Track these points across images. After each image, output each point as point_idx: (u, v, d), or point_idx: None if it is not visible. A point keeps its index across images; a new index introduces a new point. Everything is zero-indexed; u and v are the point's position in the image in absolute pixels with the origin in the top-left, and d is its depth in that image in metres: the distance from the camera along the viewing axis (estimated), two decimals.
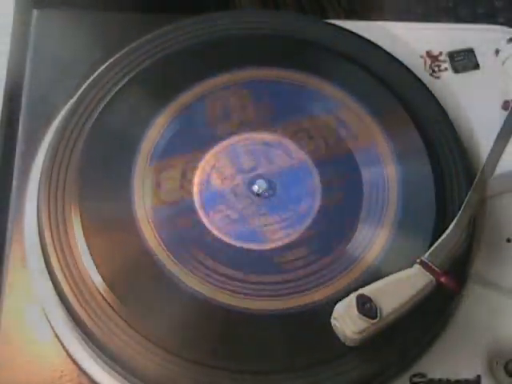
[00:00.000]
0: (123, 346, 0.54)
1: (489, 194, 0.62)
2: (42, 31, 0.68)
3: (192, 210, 0.60)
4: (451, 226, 0.56)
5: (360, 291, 0.53)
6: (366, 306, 0.52)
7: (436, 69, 0.67)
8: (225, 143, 0.63)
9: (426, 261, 0.55)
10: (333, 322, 0.54)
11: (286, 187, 0.61)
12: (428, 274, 0.54)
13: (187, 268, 0.57)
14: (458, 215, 0.57)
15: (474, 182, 0.58)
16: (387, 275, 0.55)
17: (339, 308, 0.53)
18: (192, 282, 0.57)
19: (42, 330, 0.58)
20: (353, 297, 0.53)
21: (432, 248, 0.56)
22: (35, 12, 0.69)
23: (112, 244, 0.58)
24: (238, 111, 0.64)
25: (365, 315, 0.52)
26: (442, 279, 0.54)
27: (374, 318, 0.52)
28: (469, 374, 0.56)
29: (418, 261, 0.55)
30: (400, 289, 0.54)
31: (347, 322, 0.52)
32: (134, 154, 0.61)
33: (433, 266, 0.55)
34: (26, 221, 0.61)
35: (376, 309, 0.52)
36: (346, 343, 0.54)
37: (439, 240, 0.56)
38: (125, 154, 0.61)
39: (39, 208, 0.59)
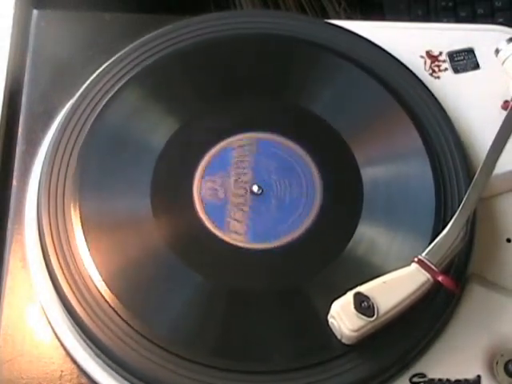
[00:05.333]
0: (123, 345, 0.54)
1: (488, 193, 0.62)
2: (42, 31, 0.68)
3: (193, 210, 0.60)
4: (449, 225, 0.56)
5: (357, 289, 0.53)
6: (364, 304, 0.52)
7: (436, 69, 0.67)
8: (223, 143, 0.63)
9: (424, 259, 0.55)
10: (330, 319, 0.54)
11: (286, 187, 0.61)
12: (425, 272, 0.54)
13: (188, 268, 0.57)
14: (457, 214, 0.57)
15: (473, 181, 0.58)
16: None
17: (336, 306, 0.53)
18: (193, 281, 0.57)
19: (42, 330, 0.58)
20: (350, 295, 0.53)
21: (430, 246, 0.56)
22: (35, 12, 0.69)
23: (112, 244, 0.58)
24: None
25: (362, 313, 0.52)
26: (440, 278, 0.54)
27: (372, 316, 0.52)
28: (469, 374, 0.56)
29: (416, 259, 0.55)
30: (397, 287, 0.54)
31: (344, 319, 0.52)
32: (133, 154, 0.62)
33: (430, 265, 0.54)
34: (26, 221, 0.61)
35: (373, 307, 0.52)
36: (343, 341, 0.54)
37: (437, 238, 0.56)
38: (124, 154, 0.61)
39: (39, 208, 0.59)
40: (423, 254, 0.55)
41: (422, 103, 0.64)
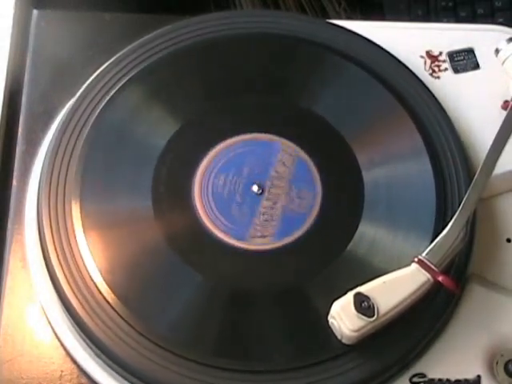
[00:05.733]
0: (123, 345, 0.54)
1: (489, 193, 0.62)
2: (42, 31, 0.68)
3: (194, 209, 0.60)
4: (449, 225, 0.56)
5: (358, 289, 0.53)
6: (364, 305, 0.52)
7: (436, 69, 0.67)
8: (224, 143, 0.63)
9: (424, 259, 0.55)
10: (330, 320, 0.54)
11: (287, 187, 0.61)
12: (425, 272, 0.54)
13: (189, 267, 0.57)
14: (457, 214, 0.57)
15: (473, 181, 0.58)
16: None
17: (337, 306, 0.53)
18: (193, 281, 0.57)
19: (42, 330, 0.58)
20: (350, 295, 0.53)
21: (430, 246, 0.56)
22: (35, 12, 0.69)
23: (113, 244, 0.58)
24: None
25: (362, 313, 0.52)
26: (440, 278, 0.54)
27: (372, 316, 0.52)
28: (469, 374, 0.56)
29: (416, 259, 0.55)
30: (397, 287, 0.54)
31: (344, 320, 0.52)
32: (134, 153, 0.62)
33: (430, 265, 0.55)
34: (26, 221, 0.61)
35: (373, 307, 0.52)
36: (343, 341, 0.54)
37: (437, 239, 0.56)
38: (125, 153, 0.61)
39: (39, 208, 0.59)
40: (423, 254, 0.55)
41: (422, 103, 0.64)
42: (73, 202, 0.59)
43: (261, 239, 0.59)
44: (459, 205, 0.57)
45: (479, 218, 0.60)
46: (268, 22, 0.68)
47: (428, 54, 0.68)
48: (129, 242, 0.58)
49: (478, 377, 0.56)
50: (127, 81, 0.64)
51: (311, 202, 0.61)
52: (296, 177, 0.62)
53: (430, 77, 0.67)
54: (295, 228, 0.60)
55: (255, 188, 0.61)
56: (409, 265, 0.55)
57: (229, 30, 0.67)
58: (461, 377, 0.56)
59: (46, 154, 0.62)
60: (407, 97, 0.65)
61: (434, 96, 0.65)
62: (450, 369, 0.56)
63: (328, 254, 0.59)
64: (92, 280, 0.56)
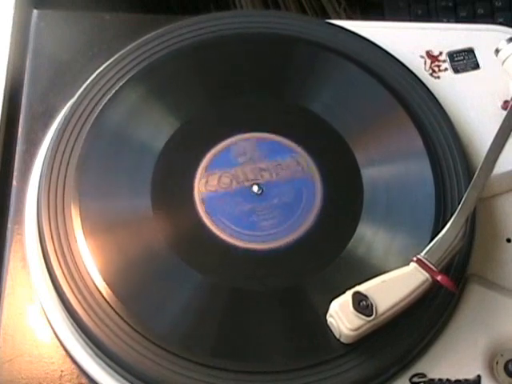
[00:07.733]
0: (123, 345, 0.54)
1: (488, 193, 0.62)
2: (42, 31, 0.68)
3: (193, 209, 0.60)
4: (448, 225, 0.56)
5: (356, 288, 0.53)
6: (362, 304, 0.52)
7: (436, 69, 0.67)
8: (223, 143, 0.63)
9: (423, 259, 0.55)
10: (328, 319, 0.54)
11: (286, 187, 0.61)
12: (424, 272, 0.54)
13: (188, 267, 0.57)
14: (456, 213, 0.57)
15: (472, 181, 0.58)
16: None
17: (335, 305, 0.53)
18: (193, 281, 0.57)
19: (42, 329, 0.58)
20: (349, 294, 0.53)
21: (429, 246, 0.56)
22: (35, 12, 0.69)
23: (112, 243, 0.58)
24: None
25: (360, 313, 0.52)
26: (439, 278, 0.54)
27: (370, 315, 0.52)
28: (469, 374, 0.56)
29: (415, 259, 0.55)
30: (396, 287, 0.54)
31: (343, 319, 0.52)
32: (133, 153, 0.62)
33: (429, 264, 0.54)
34: (26, 221, 0.61)
35: (372, 306, 0.52)
36: (342, 340, 0.54)
37: (436, 238, 0.56)
38: (124, 153, 0.61)
39: (39, 208, 0.59)
40: (422, 254, 0.55)
41: (422, 103, 0.64)
42: (72, 202, 0.59)
43: (260, 239, 0.59)
44: (459, 204, 0.57)
45: (479, 217, 0.60)
46: (268, 22, 0.68)
47: (428, 54, 0.68)
48: (128, 241, 0.58)
49: (478, 377, 0.56)
50: (127, 81, 0.64)
51: (311, 201, 0.61)
52: (296, 177, 0.62)
53: (430, 77, 0.67)
54: (295, 228, 0.59)
55: (255, 188, 0.61)
56: (407, 264, 0.55)
57: (229, 30, 0.67)
58: (461, 377, 0.56)
59: (46, 154, 0.62)
60: (407, 97, 0.65)
61: (434, 96, 0.65)
62: (449, 369, 0.56)
63: (327, 254, 0.59)
64: (92, 280, 0.56)
